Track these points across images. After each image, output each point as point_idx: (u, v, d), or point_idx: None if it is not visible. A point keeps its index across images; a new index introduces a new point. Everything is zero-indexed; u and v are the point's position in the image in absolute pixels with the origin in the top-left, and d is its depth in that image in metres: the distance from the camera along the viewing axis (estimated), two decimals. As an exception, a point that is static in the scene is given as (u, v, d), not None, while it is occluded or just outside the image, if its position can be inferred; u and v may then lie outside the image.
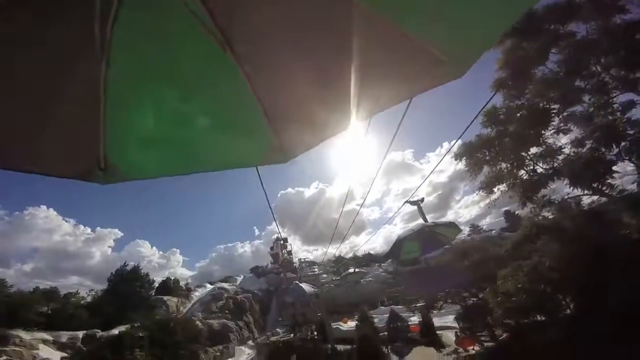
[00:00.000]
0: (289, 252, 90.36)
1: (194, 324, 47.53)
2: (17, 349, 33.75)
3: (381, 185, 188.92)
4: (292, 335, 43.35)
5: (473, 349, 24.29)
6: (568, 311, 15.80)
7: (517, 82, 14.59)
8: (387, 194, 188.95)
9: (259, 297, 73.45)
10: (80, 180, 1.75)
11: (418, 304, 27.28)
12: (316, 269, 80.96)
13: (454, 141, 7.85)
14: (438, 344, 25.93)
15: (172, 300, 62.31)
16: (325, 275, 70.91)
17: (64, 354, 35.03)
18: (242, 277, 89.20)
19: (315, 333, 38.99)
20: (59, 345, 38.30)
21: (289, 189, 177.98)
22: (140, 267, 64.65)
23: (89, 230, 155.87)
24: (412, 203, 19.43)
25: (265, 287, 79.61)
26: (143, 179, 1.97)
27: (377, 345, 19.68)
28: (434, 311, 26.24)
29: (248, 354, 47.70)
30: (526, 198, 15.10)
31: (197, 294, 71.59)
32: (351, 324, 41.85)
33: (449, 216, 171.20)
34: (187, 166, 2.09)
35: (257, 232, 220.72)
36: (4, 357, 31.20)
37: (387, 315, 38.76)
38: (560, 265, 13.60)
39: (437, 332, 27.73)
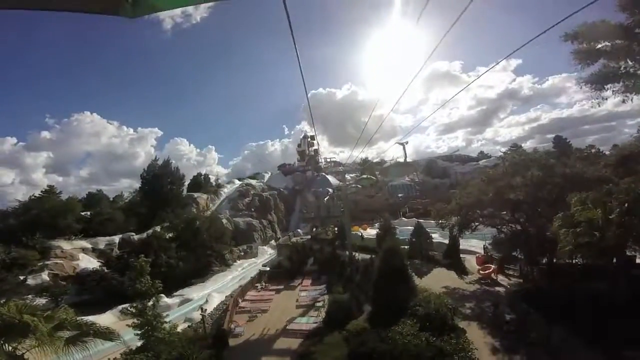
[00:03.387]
0: (316, 151, 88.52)
1: (220, 223, 49.56)
2: (58, 261, 36.24)
3: (420, 93, 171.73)
4: (312, 235, 43.51)
5: (495, 278, 21.82)
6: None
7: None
8: (424, 102, 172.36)
9: (284, 196, 75.63)
10: (109, 14, 1.83)
11: (445, 221, 23.87)
12: (341, 169, 79.60)
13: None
14: (460, 269, 23.71)
15: (202, 198, 65.01)
16: (349, 177, 69.20)
17: (102, 262, 37.15)
18: (270, 174, 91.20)
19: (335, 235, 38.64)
20: (98, 253, 40.65)
21: (320, 89, 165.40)
22: (170, 162, 63.50)
23: (131, 131, 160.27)
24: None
25: (291, 186, 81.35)
26: (168, 8, 2.15)
27: (402, 261, 17.21)
28: (466, 232, 22.90)
29: (270, 254, 50.57)
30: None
31: (226, 190, 74.13)
32: (371, 232, 41.27)
33: (487, 133, 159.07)
34: None
35: (286, 130, 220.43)
36: (47, 272, 33.73)
37: (409, 227, 36.93)
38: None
39: (462, 255, 25.19)
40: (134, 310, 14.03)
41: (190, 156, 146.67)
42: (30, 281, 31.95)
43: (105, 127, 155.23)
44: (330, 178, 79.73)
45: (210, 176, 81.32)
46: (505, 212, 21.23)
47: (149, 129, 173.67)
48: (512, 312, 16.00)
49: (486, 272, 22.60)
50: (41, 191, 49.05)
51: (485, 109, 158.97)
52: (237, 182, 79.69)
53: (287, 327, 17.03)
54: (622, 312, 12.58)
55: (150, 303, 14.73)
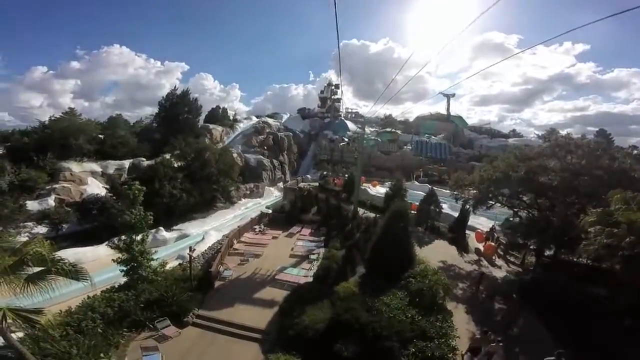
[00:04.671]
0: (338, 100, 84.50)
1: (231, 157, 48.88)
2: (66, 185, 35.72)
3: (464, 60, 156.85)
4: (320, 183, 42.51)
5: (494, 259, 20.94)
6: None
7: None
8: (465, 70, 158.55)
9: (298, 139, 73.86)
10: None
11: (461, 192, 22.31)
12: (362, 120, 76.31)
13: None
14: (462, 245, 22.67)
15: (217, 130, 64.14)
16: (369, 130, 66.10)
17: (108, 187, 36.47)
18: (288, 115, 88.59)
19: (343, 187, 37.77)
20: (107, 177, 40.04)
21: (354, 40, 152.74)
22: (189, 91, 62.10)
23: (158, 63, 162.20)
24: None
25: (307, 130, 79.10)
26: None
27: (408, 227, 16.40)
28: (480, 208, 21.45)
29: (276, 196, 50.53)
30: None
31: (242, 125, 72.87)
32: (380, 190, 40.01)
33: (524, 113, 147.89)
34: None
35: (312, 77, 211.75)
36: (54, 196, 33.11)
37: (420, 192, 35.38)
38: None
39: (467, 232, 23.97)
40: (120, 245, 13.80)
41: (214, 91, 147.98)
42: (36, 206, 31.30)
43: (133, 59, 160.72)
44: (350, 124, 76.59)
45: (229, 111, 79.60)
46: (529, 195, 19.44)
47: (176, 63, 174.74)
48: (503, 301, 15.41)
49: (487, 249, 21.80)
50: (62, 112, 48.92)
51: (531, 88, 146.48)
52: (254, 119, 77.99)
53: (276, 277, 16.89)
54: (614, 323, 12.12)
55: (139, 237, 14.47)
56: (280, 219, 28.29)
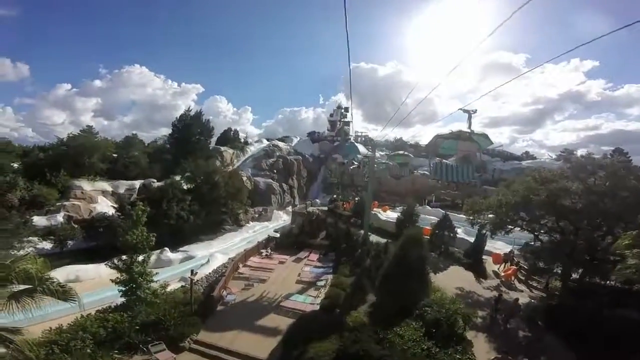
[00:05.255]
0: (347, 123, 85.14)
1: (240, 180, 48.94)
2: (76, 202, 36.13)
3: (472, 81, 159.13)
4: (329, 207, 41.76)
5: (513, 283, 19.83)
6: None
7: None
8: (474, 91, 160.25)
9: (308, 162, 73.91)
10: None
11: (477, 217, 21.23)
12: (373, 142, 76.29)
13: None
14: (480, 271, 21.27)
15: (227, 152, 64.87)
16: (379, 154, 65.81)
17: (116, 207, 36.16)
18: (298, 139, 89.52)
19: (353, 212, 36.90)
20: (117, 197, 40.31)
21: (362, 63, 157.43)
22: (202, 113, 63.72)
23: (175, 84, 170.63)
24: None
25: (317, 154, 79.43)
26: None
27: (423, 253, 15.28)
28: (498, 233, 20.27)
29: (284, 220, 49.87)
30: None
31: (253, 148, 73.65)
32: (390, 214, 38.96)
33: (535, 134, 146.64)
34: None
35: (321, 100, 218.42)
36: (63, 213, 33.47)
37: (432, 217, 34.26)
38: None
39: (484, 257, 22.63)
40: (120, 265, 13.27)
41: (227, 114, 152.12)
42: (44, 222, 31.39)
43: (152, 80, 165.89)
44: (360, 147, 76.37)
45: (240, 133, 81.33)
46: (549, 219, 18.37)
47: (192, 85, 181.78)
48: (527, 329, 14.19)
49: (507, 273, 20.54)
50: (80, 130, 50.68)
51: (542, 108, 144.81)
52: (265, 142, 79.01)
53: (281, 304, 15.91)
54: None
55: (141, 258, 13.96)
56: (287, 243, 27.50)
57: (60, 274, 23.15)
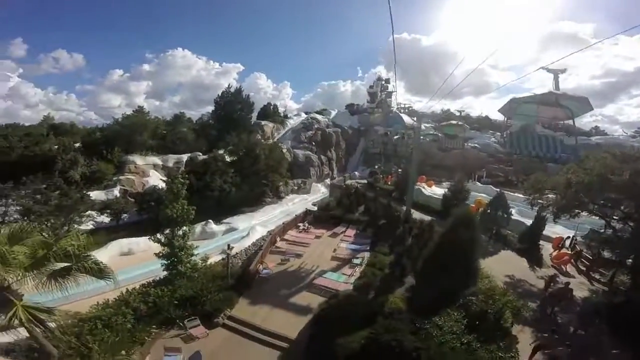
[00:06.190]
0: (390, 94, 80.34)
1: (280, 152, 49.37)
2: (130, 177, 38.81)
3: (531, 51, 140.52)
4: (368, 181, 40.15)
5: (564, 270, 17.83)
6: None
7: None
8: (533, 62, 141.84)
9: (347, 135, 72.20)
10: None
11: (539, 197, 18.76)
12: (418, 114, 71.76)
13: None
14: (535, 258, 19.12)
15: (268, 126, 65.84)
16: (424, 126, 61.58)
17: (165, 180, 37.81)
18: (337, 111, 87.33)
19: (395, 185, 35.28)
20: (167, 170, 42.68)
21: (404, 34, 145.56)
22: (242, 89, 65.82)
23: (217, 65, 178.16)
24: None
25: (356, 126, 76.96)
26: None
27: (475, 236, 13.67)
28: (561, 217, 17.75)
29: (322, 192, 49.64)
30: None
31: (292, 121, 73.84)
32: (436, 190, 36.60)
33: (607, 109, 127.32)
34: None
35: (360, 73, 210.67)
36: (119, 187, 36.04)
37: (482, 194, 31.43)
38: None
39: (541, 242, 20.21)
40: (162, 239, 13.78)
41: (267, 90, 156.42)
42: (103, 196, 33.54)
43: (195, 62, 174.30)
44: (405, 117, 72.48)
45: (279, 107, 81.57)
46: (627, 204, 15.51)
47: (232, 64, 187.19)
48: (581, 326, 12.32)
49: (560, 260, 18.41)
50: (133, 110, 54.65)
51: (615, 82, 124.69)
52: (304, 115, 78.53)
53: (314, 281, 15.75)
54: None
55: (181, 232, 14.39)
56: (324, 217, 27.11)
57: (115, 247, 25.43)
